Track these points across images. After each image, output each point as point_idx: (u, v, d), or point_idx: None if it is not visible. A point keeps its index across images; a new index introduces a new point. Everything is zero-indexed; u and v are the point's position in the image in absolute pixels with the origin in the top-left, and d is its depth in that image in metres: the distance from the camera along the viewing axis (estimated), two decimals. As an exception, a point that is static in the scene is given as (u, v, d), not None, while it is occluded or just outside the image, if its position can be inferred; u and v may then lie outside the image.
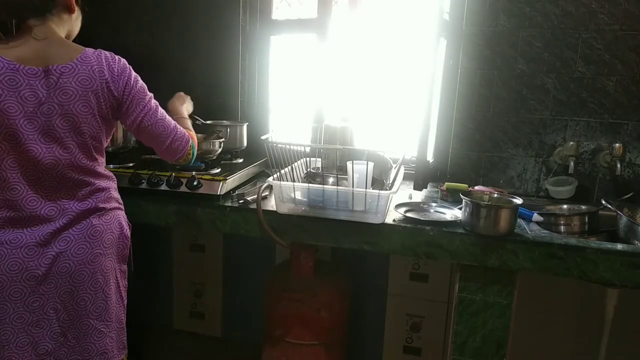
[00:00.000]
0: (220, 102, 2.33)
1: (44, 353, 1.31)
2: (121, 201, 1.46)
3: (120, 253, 1.41)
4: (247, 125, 2.23)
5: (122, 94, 1.31)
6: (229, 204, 1.70)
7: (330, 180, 1.68)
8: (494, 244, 1.46)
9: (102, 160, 1.39)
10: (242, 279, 2.45)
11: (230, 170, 1.90)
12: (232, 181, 1.81)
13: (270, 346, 2.02)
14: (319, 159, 1.86)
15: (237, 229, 1.69)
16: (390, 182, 1.65)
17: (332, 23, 2.21)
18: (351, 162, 1.57)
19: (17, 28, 1.26)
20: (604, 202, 1.76)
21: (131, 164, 1.92)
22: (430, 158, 1.95)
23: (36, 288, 1.28)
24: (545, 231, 1.56)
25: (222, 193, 1.73)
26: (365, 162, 1.51)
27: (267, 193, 1.78)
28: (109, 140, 1.40)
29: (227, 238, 2.43)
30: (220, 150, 1.95)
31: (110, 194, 1.40)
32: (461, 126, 2.07)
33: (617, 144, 1.89)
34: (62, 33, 1.32)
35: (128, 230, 1.45)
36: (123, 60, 1.35)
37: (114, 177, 1.45)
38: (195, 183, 1.71)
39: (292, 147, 1.65)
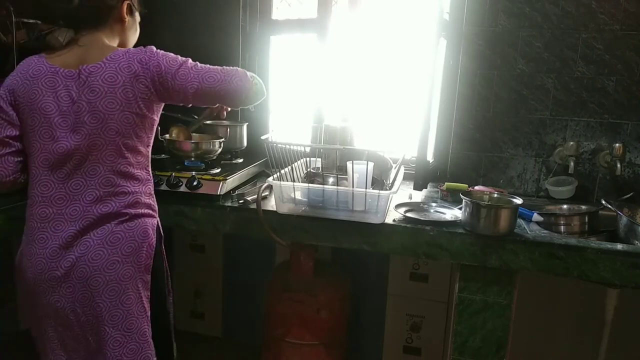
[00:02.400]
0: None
1: (71, 350, 1.33)
2: (154, 207, 1.40)
3: (142, 262, 1.33)
4: (247, 125, 2.23)
5: (156, 78, 1.31)
6: (229, 204, 1.70)
7: (330, 180, 1.68)
8: (494, 244, 1.46)
9: (136, 159, 1.34)
10: (242, 279, 2.45)
11: (230, 170, 1.90)
12: (232, 181, 1.81)
13: (270, 346, 2.03)
14: (319, 159, 1.86)
15: (237, 229, 1.69)
16: (390, 182, 1.65)
17: (332, 23, 2.21)
18: (351, 162, 1.57)
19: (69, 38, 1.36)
20: (604, 202, 1.76)
21: (131, 164, 1.92)
22: (430, 158, 1.95)
23: (57, 289, 1.28)
24: (545, 231, 1.56)
25: (222, 193, 1.73)
26: (365, 162, 1.51)
27: (267, 193, 1.78)
28: (149, 138, 1.38)
29: (227, 238, 2.43)
30: (220, 150, 1.95)
31: (138, 198, 1.34)
32: (461, 126, 2.07)
33: (617, 144, 1.89)
34: (114, 42, 1.38)
35: (154, 239, 1.36)
36: (149, 47, 1.37)
37: (149, 180, 1.39)
38: (195, 183, 1.71)
39: (292, 147, 1.65)
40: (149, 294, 1.38)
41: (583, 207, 1.85)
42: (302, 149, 1.98)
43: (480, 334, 1.55)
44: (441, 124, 2.01)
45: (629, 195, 1.92)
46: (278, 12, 2.35)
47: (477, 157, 2.08)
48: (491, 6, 1.96)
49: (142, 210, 1.35)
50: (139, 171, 1.35)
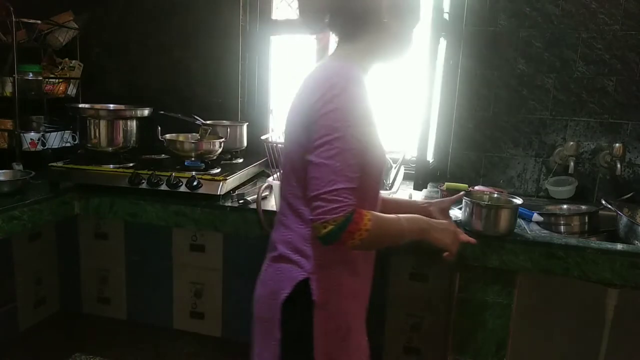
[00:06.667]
0: (220, 102, 2.33)
1: None
2: (307, 254, 1.09)
3: (265, 316, 1.13)
4: (247, 125, 2.23)
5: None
6: (229, 204, 1.70)
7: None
8: (494, 244, 1.46)
9: (302, 192, 1.09)
10: (242, 279, 2.44)
11: (230, 170, 1.90)
12: (232, 181, 1.81)
13: (270, 346, 2.02)
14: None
15: (237, 229, 1.69)
16: (390, 182, 1.65)
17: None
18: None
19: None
20: (604, 202, 1.76)
21: (131, 164, 1.92)
22: (430, 158, 1.95)
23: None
24: (545, 231, 1.56)
25: (222, 193, 1.73)
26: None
27: (267, 193, 1.78)
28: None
29: (227, 238, 2.42)
30: (220, 150, 1.95)
31: (292, 238, 1.11)
32: (461, 126, 2.07)
33: (617, 144, 1.89)
34: (363, 54, 1.14)
35: (285, 294, 1.08)
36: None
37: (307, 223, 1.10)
38: (195, 183, 1.71)
39: (292, 147, 1.65)
40: (279, 352, 1.10)
41: (583, 207, 1.85)
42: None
43: (480, 334, 1.55)
44: (441, 124, 2.01)
45: (629, 195, 1.92)
46: (278, 12, 2.35)
47: (477, 157, 2.08)
48: (491, 6, 1.96)
49: (289, 255, 1.11)
50: (305, 208, 1.09)
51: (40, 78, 2.19)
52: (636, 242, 1.55)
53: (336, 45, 1.17)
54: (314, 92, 1.03)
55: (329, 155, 0.98)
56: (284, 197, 1.15)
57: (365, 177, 1.04)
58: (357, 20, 1.11)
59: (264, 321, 1.13)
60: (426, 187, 1.92)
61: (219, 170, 1.89)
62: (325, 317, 1.08)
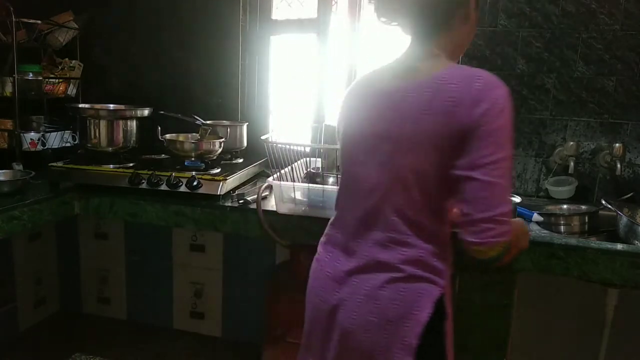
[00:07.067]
0: (220, 102, 2.33)
1: None
2: (438, 269, 1.06)
3: (383, 345, 1.05)
4: (247, 125, 2.23)
5: None
6: (229, 204, 1.70)
7: (330, 180, 1.68)
8: (494, 244, 1.46)
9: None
10: (242, 279, 2.45)
11: (230, 170, 1.90)
12: (232, 181, 1.81)
13: (270, 346, 2.02)
14: (319, 159, 1.86)
15: (237, 229, 1.69)
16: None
17: (332, 23, 2.21)
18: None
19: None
20: (604, 202, 1.76)
21: (131, 164, 1.92)
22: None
23: (327, 323, 1.13)
24: (545, 231, 1.56)
25: (222, 193, 1.73)
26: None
27: (267, 193, 1.78)
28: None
29: (227, 238, 2.43)
30: (220, 150, 1.95)
31: (420, 257, 1.04)
32: (461, 126, 2.07)
33: (617, 144, 1.89)
34: (453, 49, 1.10)
35: (427, 313, 1.02)
36: None
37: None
38: (195, 183, 1.71)
39: (292, 147, 1.65)
40: None
41: (583, 207, 1.85)
42: (302, 149, 1.98)
43: (480, 334, 1.55)
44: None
45: (629, 195, 1.92)
46: (278, 12, 2.35)
47: (477, 157, 2.08)
48: (491, 6, 1.96)
49: (419, 273, 1.05)
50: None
51: (40, 78, 2.20)
52: (636, 242, 1.55)
53: (415, 41, 1.09)
54: (473, 102, 0.95)
55: (499, 175, 0.94)
56: (397, 212, 1.03)
57: None
58: (450, 12, 1.04)
59: (383, 351, 1.04)
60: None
61: (219, 170, 1.89)
62: (450, 326, 1.09)
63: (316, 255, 1.21)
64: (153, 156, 2.10)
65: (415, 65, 1.06)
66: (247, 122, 2.25)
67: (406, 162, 1.01)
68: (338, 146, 1.22)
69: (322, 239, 1.22)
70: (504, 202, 0.95)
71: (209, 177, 1.76)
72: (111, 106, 2.12)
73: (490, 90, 0.97)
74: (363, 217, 1.08)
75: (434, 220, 1.04)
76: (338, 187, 1.20)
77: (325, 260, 1.16)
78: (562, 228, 1.77)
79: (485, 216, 0.94)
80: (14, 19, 1.98)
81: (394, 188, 1.03)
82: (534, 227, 1.58)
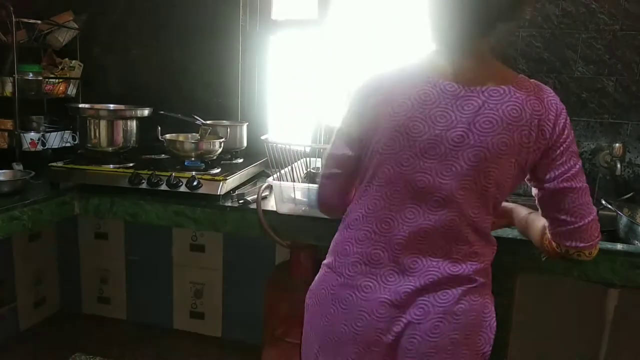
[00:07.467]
0: (219, 102, 2.33)
1: None
2: (490, 273, 1.13)
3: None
4: (247, 125, 2.23)
5: None
6: (229, 204, 1.70)
7: (330, 180, 1.68)
8: (494, 244, 1.46)
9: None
10: (242, 279, 2.45)
11: (230, 170, 1.90)
12: (232, 181, 1.81)
13: (270, 346, 2.02)
14: (319, 159, 1.86)
15: (237, 229, 1.69)
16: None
17: (332, 23, 2.21)
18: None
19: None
20: (604, 202, 1.76)
21: (131, 164, 1.92)
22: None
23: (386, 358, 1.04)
24: (545, 231, 1.55)
25: (222, 193, 1.73)
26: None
27: (267, 193, 1.78)
28: None
29: (227, 238, 2.43)
30: (220, 150, 1.95)
31: (486, 266, 1.09)
32: (461, 126, 2.07)
33: (617, 144, 1.89)
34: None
35: (494, 317, 1.12)
36: None
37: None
38: (195, 183, 1.71)
39: (292, 147, 1.65)
40: None
41: (583, 207, 1.84)
42: (302, 149, 1.98)
43: (480, 334, 1.55)
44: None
45: (629, 195, 1.92)
46: (278, 12, 2.35)
47: (477, 157, 2.08)
48: (491, 6, 1.96)
49: (487, 281, 1.09)
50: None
51: (40, 78, 2.19)
52: (636, 242, 1.55)
53: (462, 37, 1.08)
54: (555, 116, 1.00)
55: (584, 180, 1.05)
56: (471, 224, 1.01)
57: None
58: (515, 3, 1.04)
59: None
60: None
61: (219, 170, 1.89)
62: None
63: (339, 280, 1.06)
64: (153, 156, 2.10)
65: (471, 66, 1.06)
66: (247, 122, 2.25)
67: (491, 175, 0.97)
68: (351, 147, 1.13)
69: (345, 259, 1.07)
70: (592, 204, 1.05)
71: (209, 177, 1.76)
72: (111, 106, 2.12)
73: (558, 101, 1.03)
74: (427, 230, 1.00)
75: (489, 227, 1.06)
76: (362, 197, 1.07)
77: (370, 286, 1.02)
78: (562, 228, 1.77)
79: (591, 218, 1.04)
80: (14, 19, 1.98)
81: (472, 200, 0.99)
82: (534, 227, 1.58)
